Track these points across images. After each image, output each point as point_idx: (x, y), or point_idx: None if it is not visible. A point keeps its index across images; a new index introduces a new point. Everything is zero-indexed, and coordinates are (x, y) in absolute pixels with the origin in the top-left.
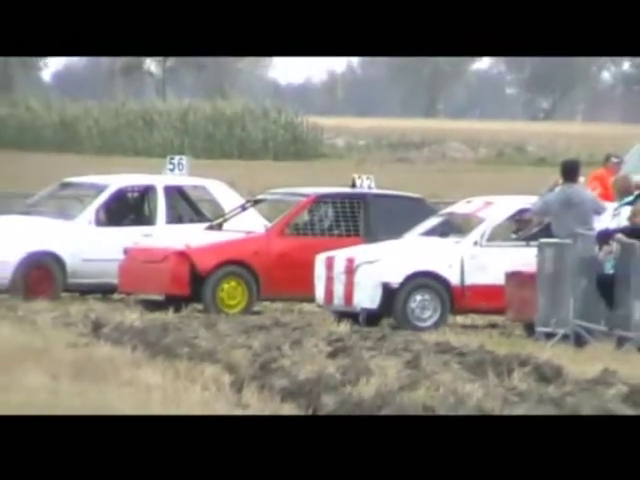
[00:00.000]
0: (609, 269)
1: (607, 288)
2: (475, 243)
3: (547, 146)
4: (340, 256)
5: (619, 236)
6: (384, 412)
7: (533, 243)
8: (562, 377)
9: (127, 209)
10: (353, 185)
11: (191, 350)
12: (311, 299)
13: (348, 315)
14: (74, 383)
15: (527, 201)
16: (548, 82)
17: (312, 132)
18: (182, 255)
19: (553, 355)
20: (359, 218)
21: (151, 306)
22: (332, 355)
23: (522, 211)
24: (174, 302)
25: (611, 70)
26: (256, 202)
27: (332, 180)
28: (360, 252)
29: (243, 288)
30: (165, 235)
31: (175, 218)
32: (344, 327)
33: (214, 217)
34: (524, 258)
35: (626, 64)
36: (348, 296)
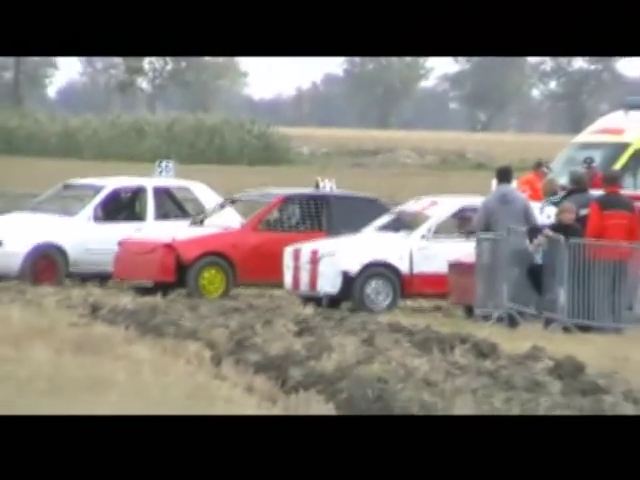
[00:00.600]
0: (538, 260)
1: (536, 276)
2: (422, 237)
3: (485, 153)
4: (306, 248)
5: (547, 231)
6: (343, 383)
7: (472, 237)
8: (497, 353)
9: (121, 207)
10: (317, 187)
11: (176, 329)
12: (280, 285)
13: (312, 299)
14: (75, 357)
15: (467, 201)
16: (486, 98)
17: (281, 141)
18: (169, 247)
19: (490, 334)
20: (322, 215)
21: (142, 291)
22: (298, 334)
23: (463, 209)
24: (162, 288)
25: (540, 88)
26: (233, 201)
27: (299, 183)
28: (323, 245)
29: (222, 276)
30: (154, 230)
31: (163, 215)
32: (309, 310)
33: (196, 214)
34: (465, 250)
35: (553, 83)
36: (312, 283)
